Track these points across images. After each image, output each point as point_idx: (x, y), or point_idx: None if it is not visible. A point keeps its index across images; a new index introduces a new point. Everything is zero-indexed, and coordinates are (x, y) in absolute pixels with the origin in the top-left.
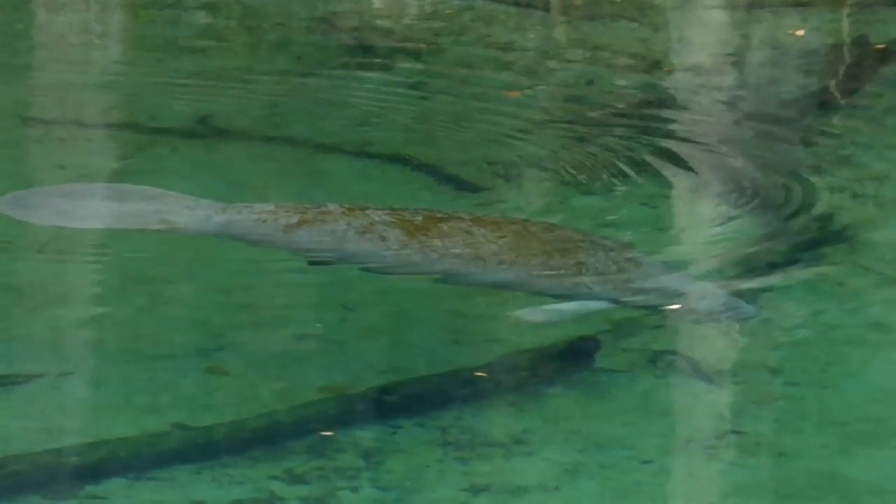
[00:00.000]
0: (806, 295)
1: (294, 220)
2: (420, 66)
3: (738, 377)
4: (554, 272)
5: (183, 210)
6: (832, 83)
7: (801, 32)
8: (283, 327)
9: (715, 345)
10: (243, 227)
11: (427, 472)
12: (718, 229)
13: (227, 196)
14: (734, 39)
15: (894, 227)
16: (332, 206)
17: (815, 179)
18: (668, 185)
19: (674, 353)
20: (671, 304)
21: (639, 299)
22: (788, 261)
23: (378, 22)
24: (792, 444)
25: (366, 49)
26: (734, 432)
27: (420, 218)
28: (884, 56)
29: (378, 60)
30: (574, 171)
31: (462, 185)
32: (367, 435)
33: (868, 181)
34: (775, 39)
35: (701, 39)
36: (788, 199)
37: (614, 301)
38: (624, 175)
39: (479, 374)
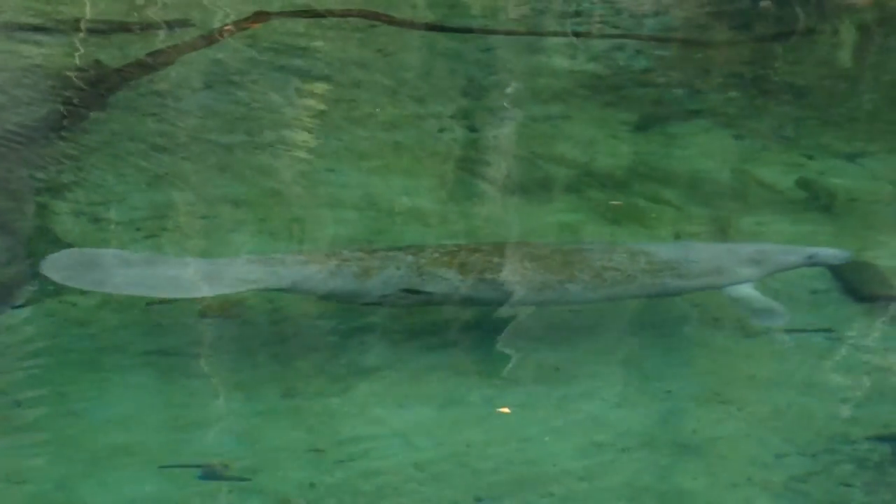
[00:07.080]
0: (111, 314)
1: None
2: None
3: None
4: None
5: (248, 266)
6: (67, 106)
7: None
8: None
9: None
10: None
11: None
12: None
13: None
14: None
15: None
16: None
17: (53, 203)
18: None
19: None
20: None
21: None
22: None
23: None
24: (28, 471)
25: None
26: None
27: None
28: (117, 80)
29: None
30: None
31: None
32: None
33: (105, 204)
34: (7, 63)
35: None
36: (26, 224)
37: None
38: None
39: None
